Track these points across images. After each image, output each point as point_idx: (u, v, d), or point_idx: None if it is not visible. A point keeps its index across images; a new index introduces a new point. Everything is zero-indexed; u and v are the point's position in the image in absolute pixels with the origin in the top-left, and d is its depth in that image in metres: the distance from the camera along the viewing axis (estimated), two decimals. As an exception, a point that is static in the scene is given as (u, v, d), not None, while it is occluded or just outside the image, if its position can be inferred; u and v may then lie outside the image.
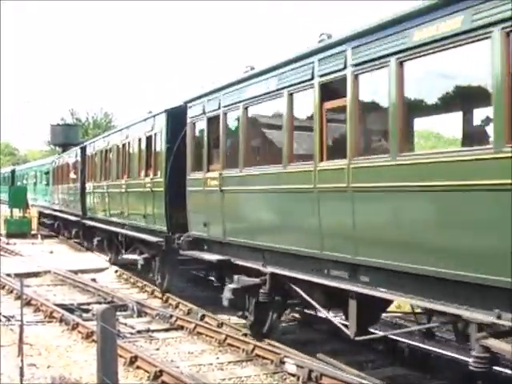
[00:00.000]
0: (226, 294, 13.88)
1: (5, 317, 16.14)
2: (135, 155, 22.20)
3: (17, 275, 22.52)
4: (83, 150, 31.83)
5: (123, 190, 23.24)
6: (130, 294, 20.34)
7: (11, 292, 20.06)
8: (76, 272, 24.50)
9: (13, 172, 62.76)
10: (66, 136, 52.03)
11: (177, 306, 18.12)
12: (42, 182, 48.73)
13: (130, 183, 22.63)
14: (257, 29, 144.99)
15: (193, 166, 16.42)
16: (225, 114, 14.83)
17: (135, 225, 21.83)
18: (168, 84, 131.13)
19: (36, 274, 24.21)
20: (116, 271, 25.22)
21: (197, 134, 16.54)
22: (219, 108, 15.03)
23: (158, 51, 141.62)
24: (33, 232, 40.60)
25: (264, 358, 12.72)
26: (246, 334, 14.28)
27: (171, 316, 16.39)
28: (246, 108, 13.82)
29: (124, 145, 23.85)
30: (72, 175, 32.48)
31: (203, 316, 16.26)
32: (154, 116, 20.18)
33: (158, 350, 13.88)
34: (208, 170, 15.50)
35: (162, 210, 18.36)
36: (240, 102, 13.98)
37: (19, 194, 42.40)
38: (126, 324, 15.79)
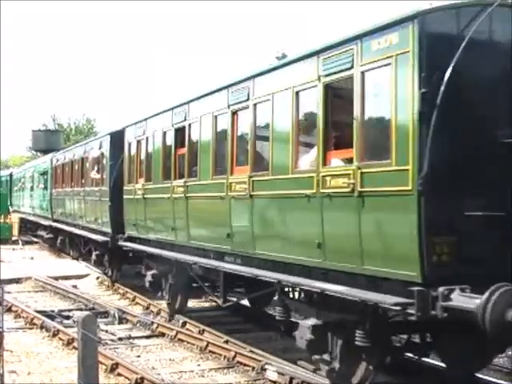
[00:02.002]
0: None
1: (-15, 323, 16.04)
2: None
3: (-3, 281, 22.42)
4: (117, 136, 21.88)
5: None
6: (111, 301, 20.28)
7: (-9, 298, 19.92)
8: (57, 278, 24.40)
9: (11, 175, 55.12)
10: (48, 142, 51.96)
11: (158, 313, 18.08)
12: (38, 185, 39.68)
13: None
14: (241, 33, 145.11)
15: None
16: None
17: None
18: (150, 90, 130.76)
19: (17, 281, 24.09)
20: (97, 278, 25.13)
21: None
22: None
23: (140, 57, 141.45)
24: (14, 238, 40.37)
25: (245, 365, 12.72)
26: (227, 341, 14.28)
27: (152, 323, 16.36)
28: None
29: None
30: (94, 174, 24.70)
31: (184, 323, 16.24)
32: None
33: (139, 357, 13.84)
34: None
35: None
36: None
37: (0, 200, 42.10)
38: (106, 331, 15.75)
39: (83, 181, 26.85)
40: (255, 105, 12.48)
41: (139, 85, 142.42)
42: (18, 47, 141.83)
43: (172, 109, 16.44)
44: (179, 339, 15.01)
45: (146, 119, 18.53)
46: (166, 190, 16.40)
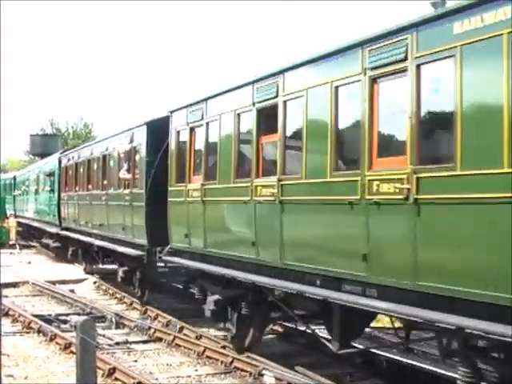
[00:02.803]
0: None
1: (-18, 327, 16.03)
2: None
3: (-6, 285, 22.40)
4: (156, 126, 18.48)
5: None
6: (108, 305, 20.26)
7: (-11, 302, 19.91)
8: (54, 283, 24.38)
9: (15, 178, 52.33)
10: (46, 146, 52.04)
11: (155, 318, 18.06)
12: (44, 188, 36.09)
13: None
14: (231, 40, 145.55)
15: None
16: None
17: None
18: (149, 95, 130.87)
19: (14, 285, 24.06)
20: (94, 282, 25.10)
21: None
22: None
23: (138, 62, 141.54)
24: (11, 242, 40.32)
25: (243, 370, 12.71)
26: (224, 347, 14.28)
27: (150, 328, 16.36)
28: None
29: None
30: (122, 174, 20.50)
31: (182, 328, 16.23)
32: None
33: (136, 361, 13.84)
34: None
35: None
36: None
37: (-2, 204, 42.06)
38: (104, 335, 15.73)
39: (105, 182, 22.93)
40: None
41: (138, 90, 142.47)
42: (15, 51, 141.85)
43: (253, 82, 12.79)
44: (176, 344, 15.00)
45: (205, 99, 14.78)
46: (241, 192, 12.85)
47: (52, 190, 33.01)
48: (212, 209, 14.26)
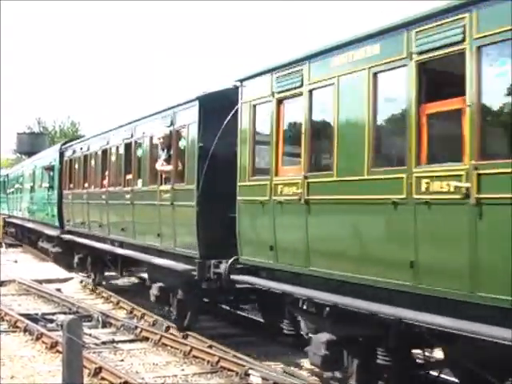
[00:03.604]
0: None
1: (-32, 326, 15.99)
2: None
3: (-20, 284, 22.33)
4: (211, 101, 14.28)
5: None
6: (94, 305, 20.21)
7: (-26, 301, 19.85)
8: (41, 282, 24.28)
9: (7, 176, 48.66)
10: (33, 144, 51.99)
11: (142, 317, 18.04)
12: (41, 185, 32.09)
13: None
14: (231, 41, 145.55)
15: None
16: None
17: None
18: (137, 95, 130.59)
19: (0, 284, 23.96)
20: (81, 281, 25.05)
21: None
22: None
23: (126, 61, 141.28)
24: (-4, 241, 40.15)
25: (229, 369, 12.71)
26: (211, 346, 14.28)
27: (136, 327, 16.34)
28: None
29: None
30: (161, 165, 16.01)
31: (168, 327, 16.22)
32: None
33: (122, 361, 13.82)
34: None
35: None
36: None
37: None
38: (90, 335, 15.69)
39: (129, 177, 18.64)
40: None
41: (125, 89, 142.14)
42: (2, 50, 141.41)
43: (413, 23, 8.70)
44: (163, 343, 14.99)
45: (307, 58, 10.64)
46: (385, 187, 8.94)
47: (51, 187, 29.21)
48: (323, 211, 10.25)
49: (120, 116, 71.88)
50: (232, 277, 12.82)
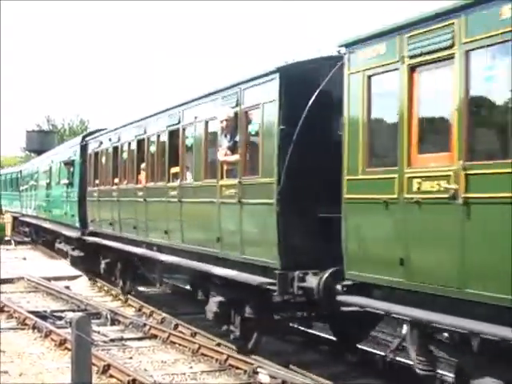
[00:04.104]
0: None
1: (-23, 323, 16.03)
2: None
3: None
4: (299, 72, 11.70)
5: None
6: (103, 302, 20.25)
7: (-16, 298, 19.89)
8: (49, 279, 24.34)
9: (21, 172, 45.59)
10: (42, 142, 52.04)
11: (150, 315, 18.05)
12: (59, 181, 29.50)
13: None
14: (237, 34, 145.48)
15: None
16: None
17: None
18: (144, 93, 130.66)
19: (9, 281, 24.02)
20: (90, 279, 25.05)
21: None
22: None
23: (134, 59, 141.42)
24: (6, 238, 40.26)
25: (237, 368, 12.69)
26: (219, 344, 14.27)
27: (145, 325, 16.34)
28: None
29: None
30: (224, 155, 13.23)
31: (176, 325, 16.21)
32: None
33: (131, 358, 13.82)
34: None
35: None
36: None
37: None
38: (99, 332, 15.71)
39: (174, 170, 15.82)
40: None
41: (133, 88, 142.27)
42: (11, 48, 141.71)
43: None
44: (171, 341, 14.98)
45: (458, 9, 8.07)
46: None
47: (70, 184, 26.64)
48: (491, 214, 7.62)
49: (130, 114, 72.06)
50: (340, 298, 10.07)
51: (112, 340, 15.18)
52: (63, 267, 28.49)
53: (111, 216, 20.92)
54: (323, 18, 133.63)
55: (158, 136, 17.11)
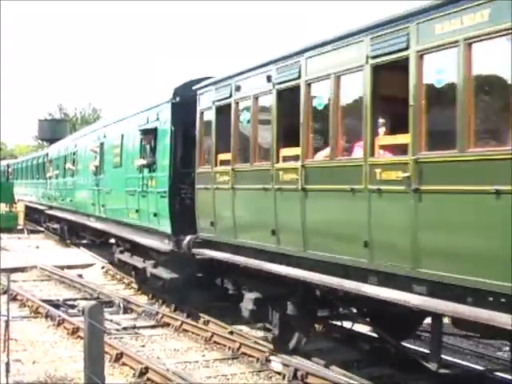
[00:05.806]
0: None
1: (-10, 312, 16.05)
2: None
3: (3, 270, 22.41)
4: None
5: None
6: (116, 291, 20.26)
7: (-3, 287, 19.93)
8: (62, 267, 24.39)
9: (47, 155, 37.98)
10: (54, 131, 52.01)
11: (163, 303, 18.04)
12: (121, 162, 20.22)
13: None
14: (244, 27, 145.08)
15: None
16: None
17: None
18: (156, 80, 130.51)
19: (22, 269, 24.08)
20: (102, 267, 25.08)
21: None
22: None
23: (147, 46, 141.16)
24: (19, 227, 40.33)
25: (250, 356, 12.71)
26: (232, 332, 14.25)
27: (157, 313, 16.35)
28: None
29: None
30: None
31: (189, 314, 16.19)
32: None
33: (143, 346, 13.85)
34: None
35: None
36: None
37: (6, 190, 41.92)
38: (111, 320, 15.73)
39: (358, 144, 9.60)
40: None
41: (145, 76, 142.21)
42: (24, 38, 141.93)
43: None
44: (184, 330, 15.00)
45: None
46: None
47: (148, 166, 17.56)
48: None
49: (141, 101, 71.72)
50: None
51: (124, 328, 15.21)
52: (76, 256, 28.53)
53: (250, 215, 12.87)
54: (323, 18, 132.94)
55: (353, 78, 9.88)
